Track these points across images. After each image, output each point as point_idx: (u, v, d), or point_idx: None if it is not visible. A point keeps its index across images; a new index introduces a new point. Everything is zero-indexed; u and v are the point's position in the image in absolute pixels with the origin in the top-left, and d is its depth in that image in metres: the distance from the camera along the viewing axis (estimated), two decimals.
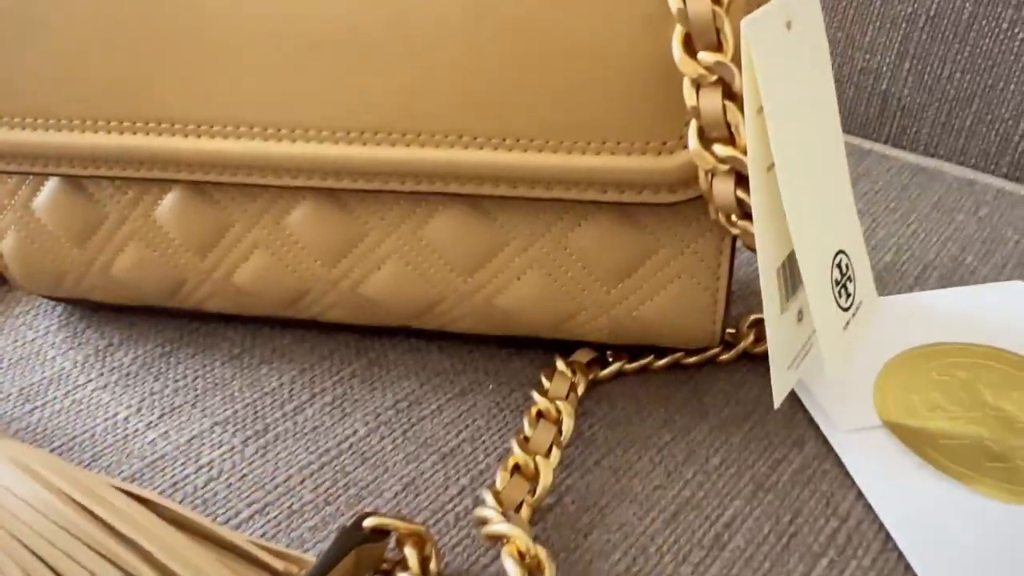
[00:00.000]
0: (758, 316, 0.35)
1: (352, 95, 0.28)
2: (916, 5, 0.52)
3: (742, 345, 0.34)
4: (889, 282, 0.39)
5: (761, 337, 0.35)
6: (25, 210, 0.34)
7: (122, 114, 0.30)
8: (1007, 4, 0.49)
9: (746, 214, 0.27)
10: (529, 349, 0.36)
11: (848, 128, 0.56)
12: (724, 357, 0.35)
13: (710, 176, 0.27)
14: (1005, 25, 0.49)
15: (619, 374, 0.34)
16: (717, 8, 0.25)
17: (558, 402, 0.31)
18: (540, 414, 0.31)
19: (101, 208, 0.34)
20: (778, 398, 0.29)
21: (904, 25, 0.53)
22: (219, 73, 0.29)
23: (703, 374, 0.34)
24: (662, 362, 0.34)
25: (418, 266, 0.32)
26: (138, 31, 0.29)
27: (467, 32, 0.27)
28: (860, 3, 0.53)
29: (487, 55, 0.27)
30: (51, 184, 0.34)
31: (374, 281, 0.33)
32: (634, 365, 0.34)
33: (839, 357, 0.29)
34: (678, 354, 0.34)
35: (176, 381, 0.34)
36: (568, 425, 0.31)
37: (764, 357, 0.35)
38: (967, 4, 0.50)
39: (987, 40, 0.50)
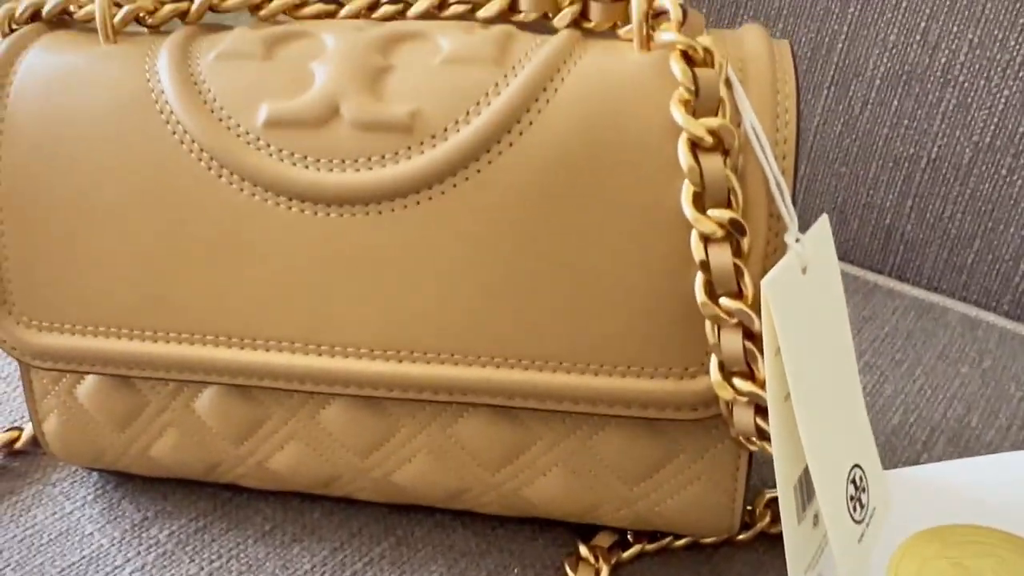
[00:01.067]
0: (773, 495, 0.36)
1: (387, 319, 0.30)
2: (918, 147, 0.54)
3: (759, 527, 0.36)
4: (898, 447, 0.41)
5: (777, 517, 0.36)
6: (68, 396, 0.36)
7: (172, 327, 0.32)
8: (1006, 152, 0.51)
9: (764, 437, 0.29)
10: (551, 527, 0.37)
11: (853, 259, 0.58)
12: (742, 537, 0.36)
13: (730, 405, 0.28)
14: (1004, 171, 0.51)
15: (640, 555, 0.36)
16: (738, 262, 0.27)
17: None
18: None
19: (142, 397, 0.35)
20: None
21: (906, 165, 0.54)
22: (261, 293, 0.31)
23: (721, 555, 0.36)
24: (681, 542, 0.36)
25: (447, 461, 0.33)
26: (184, 255, 0.31)
27: (502, 264, 0.29)
28: (864, 142, 0.55)
29: (521, 284, 0.29)
30: (94, 375, 0.35)
31: (405, 472, 0.34)
32: (654, 546, 0.36)
33: (855, 568, 0.30)
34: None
35: (212, 562, 0.36)
36: None
37: (780, 537, 0.36)
38: (967, 149, 0.52)
39: (986, 184, 0.52)
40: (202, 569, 0.35)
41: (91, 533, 0.37)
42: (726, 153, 0.27)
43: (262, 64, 0.31)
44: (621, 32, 0.30)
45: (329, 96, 0.29)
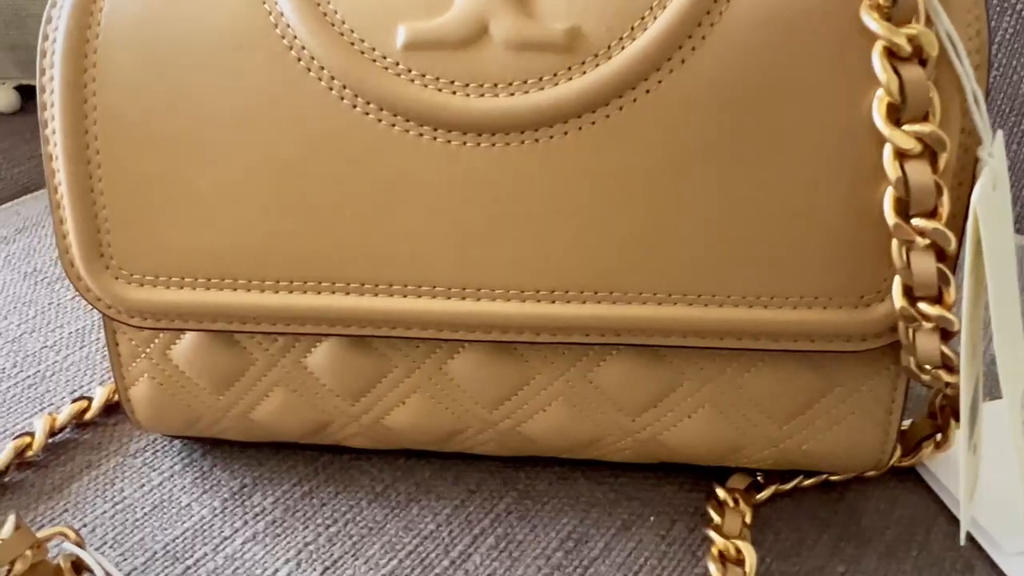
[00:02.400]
0: (902, 427, 0.35)
1: (538, 256, 0.28)
2: None
3: (891, 461, 0.35)
4: None
5: (906, 451, 0.35)
6: (162, 358, 0.33)
7: (292, 275, 0.29)
8: None
9: (946, 364, 0.27)
10: (677, 473, 0.35)
11: None
12: (871, 473, 0.35)
13: (911, 331, 0.27)
14: None
15: (773, 496, 0.34)
16: (938, 179, 0.25)
17: (736, 542, 0.31)
18: (722, 555, 0.31)
19: (248, 355, 0.32)
20: (965, 534, 0.29)
21: None
22: (397, 235, 0.28)
23: (853, 492, 0.35)
24: (811, 481, 0.35)
25: (585, 408, 0.32)
26: (311, 194, 0.28)
27: (668, 193, 0.27)
28: None
29: (687, 214, 0.27)
30: (194, 332, 0.32)
31: (536, 422, 0.32)
32: (787, 486, 0.34)
33: None
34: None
35: (328, 527, 0.33)
36: (752, 565, 0.31)
37: (910, 471, 0.35)
38: None
39: None
40: (319, 535, 0.33)
41: (188, 504, 0.35)
42: (923, 63, 0.25)
43: None
44: None
45: (475, 14, 0.27)
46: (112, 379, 0.40)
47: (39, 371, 0.41)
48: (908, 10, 0.25)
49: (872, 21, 0.25)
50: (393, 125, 0.27)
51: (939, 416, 0.33)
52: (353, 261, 0.29)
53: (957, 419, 0.32)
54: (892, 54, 0.25)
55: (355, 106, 0.27)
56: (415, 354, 0.31)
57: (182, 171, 0.28)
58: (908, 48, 0.25)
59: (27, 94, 0.67)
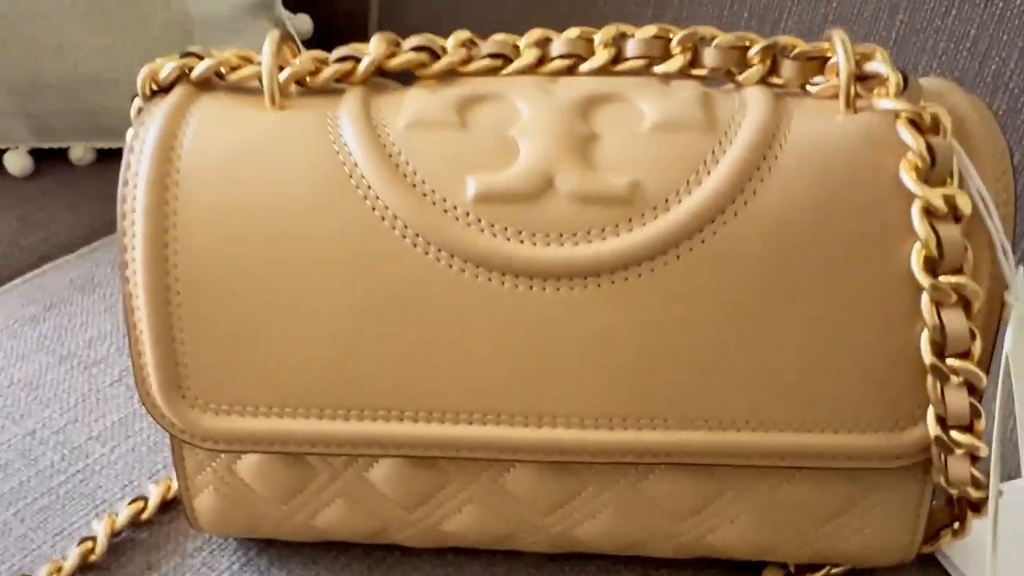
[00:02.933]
0: None
1: (596, 388, 0.30)
2: None
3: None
4: None
5: (926, 538, 0.37)
6: (227, 472, 0.34)
7: (360, 405, 0.31)
8: None
9: (976, 484, 0.30)
10: (714, 564, 0.37)
11: None
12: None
13: (943, 455, 0.30)
14: None
15: None
16: (972, 326, 0.28)
17: None
18: None
19: (311, 469, 0.34)
20: None
21: None
22: (463, 368, 0.30)
23: None
24: (839, 570, 0.37)
25: (634, 514, 0.34)
26: (382, 332, 0.30)
27: (720, 333, 0.29)
28: None
29: (741, 352, 0.29)
30: None
31: (587, 527, 0.34)
32: (818, 575, 0.37)
33: None
34: None
35: None
36: None
37: (929, 556, 0.38)
38: (1016, 153, 0.55)
39: None
40: None
41: None
42: (958, 220, 0.27)
43: (459, 134, 0.30)
44: (814, 90, 0.31)
45: (541, 168, 0.29)
46: (163, 476, 0.42)
47: (88, 465, 0.42)
48: (943, 171, 0.27)
49: (911, 182, 0.27)
50: (463, 271, 0.29)
51: (956, 506, 0.36)
52: (419, 392, 0.30)
53: (975, 510, 0.35)
54: (930, 212, 0.27)
55: (427, 253, 0.29)
56: (472, 468, 0.33)
57: (258, 313, 0.30)
58: (944, 208, 0.27)
59: (38, 157, 0.67)
